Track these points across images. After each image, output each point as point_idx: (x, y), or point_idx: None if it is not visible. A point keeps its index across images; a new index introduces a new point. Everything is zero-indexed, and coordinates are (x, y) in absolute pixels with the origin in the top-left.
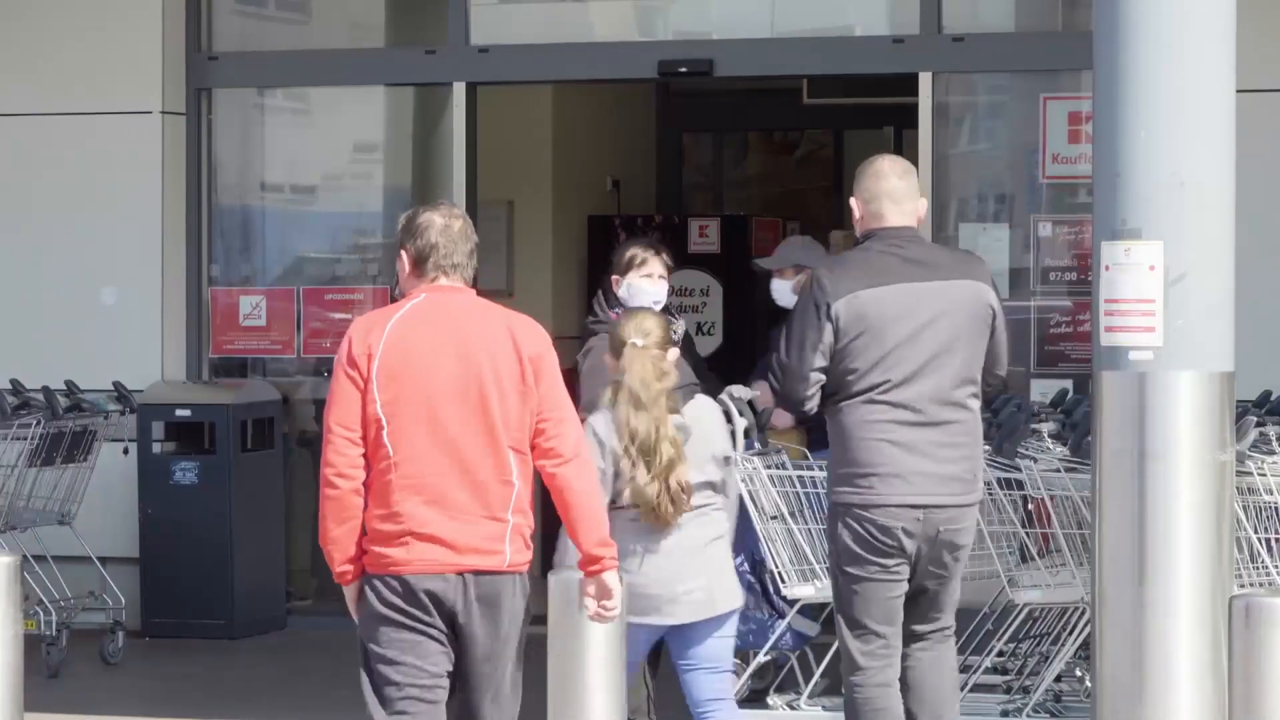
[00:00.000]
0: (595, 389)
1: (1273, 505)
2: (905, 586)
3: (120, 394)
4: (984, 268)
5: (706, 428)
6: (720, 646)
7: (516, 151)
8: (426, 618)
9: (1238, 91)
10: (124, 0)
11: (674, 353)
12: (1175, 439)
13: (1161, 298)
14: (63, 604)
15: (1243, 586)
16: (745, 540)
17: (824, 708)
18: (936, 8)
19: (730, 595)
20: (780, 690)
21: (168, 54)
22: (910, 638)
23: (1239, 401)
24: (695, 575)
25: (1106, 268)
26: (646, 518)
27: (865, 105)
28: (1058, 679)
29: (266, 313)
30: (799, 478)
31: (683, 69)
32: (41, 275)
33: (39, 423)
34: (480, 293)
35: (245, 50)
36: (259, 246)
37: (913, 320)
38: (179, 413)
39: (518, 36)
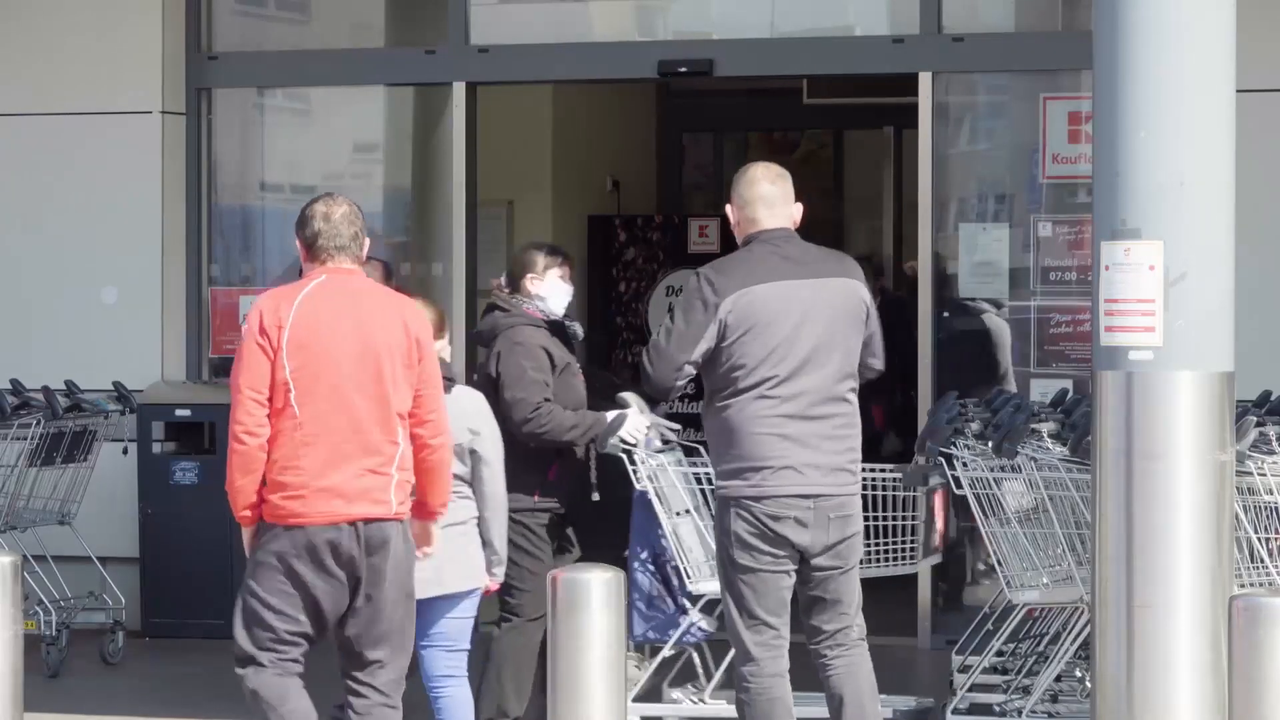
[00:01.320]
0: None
1: (1273, 505)
2: (793, 579)
3: (120, 394)
4: (856, 266)
5: (453, 422)
6: (454, 626)
7: (516, 151)
8: (316, 569)
9: (1238, 91)
10: (124, 0)
11: (442, 346)
12: (1175, 439)
13: (1161, 298)
14: (63, 604)
15: (1243, 586)
16: (647, 535)
17: (727, 701)
18: (936, 8)
19: (461, 578)
20: (677, 684)
21: (168, 54)
22: (823, 639)
23: (1239, 401)
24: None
25: (1106, 268)
26: None
27: (865, 105)
28: (1057, 679)
29: None
30: (707, 475)
31: (683, 69)
32: (41, 275)
33: (39, 423)
34: (480, 291)
35: (245, 50)
36: (259, 246)
37: (795, 316)
38: (179, 413)
39: (518, 36)
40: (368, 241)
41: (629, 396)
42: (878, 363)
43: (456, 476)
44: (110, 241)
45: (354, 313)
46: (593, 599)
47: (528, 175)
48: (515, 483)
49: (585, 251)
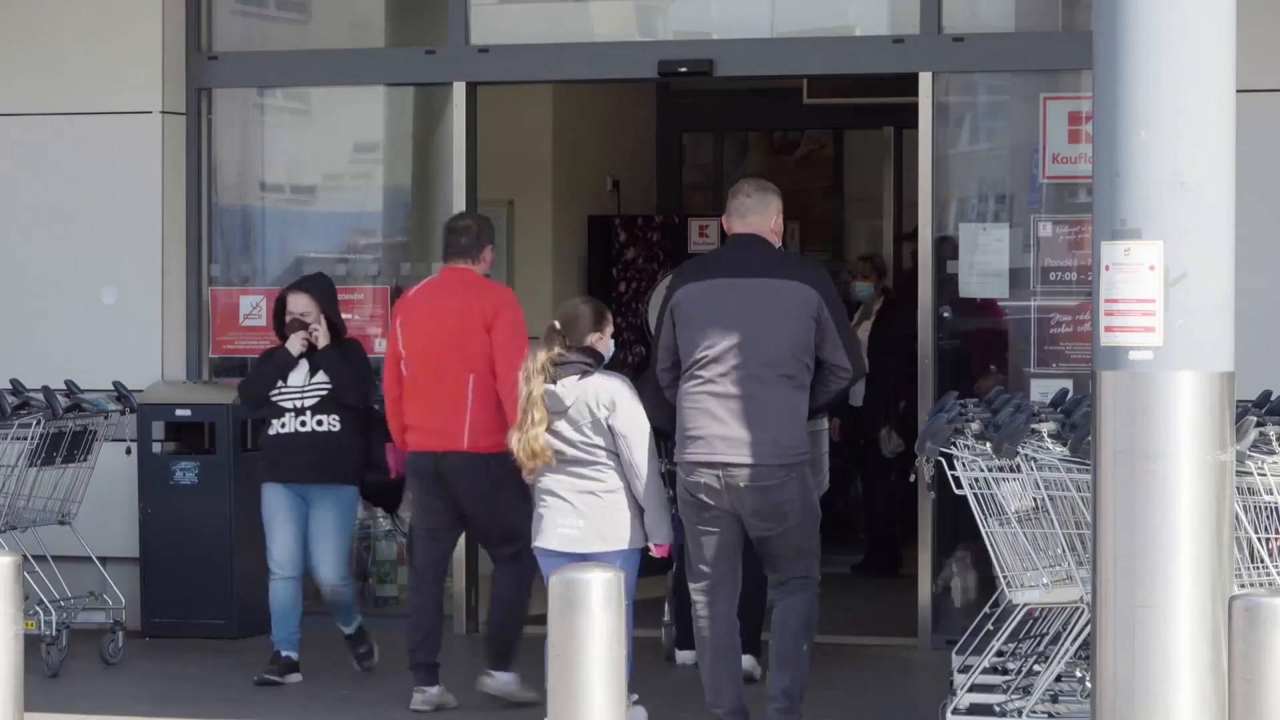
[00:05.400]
0: None
1: (1273, 505)
2: (728, 535)
3: (120, 394)
4: (816, 272)
5: (588, 400)
6: None
7: (516, 151)
8: (423, 482)
9: (1238, 91)
10: (124, 0)
11: (597, 338)
12: (1175, 439)
13: (1161, 298)
14: (63, 604)
15: (1243, 586)
16: None
17: None
18: (936, 8)
19: (595, 539)
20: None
21: (168, 54)
22: (770, 583)
23: (1239, 401)
24: (569, 516)
25: (1106, 268)
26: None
27: (865, 105)
28: (1057, 679)
29: (266, 313)
30: None
31: (683, 69)
32: (41, 275)
33: (39, 423)
34: None
35: (245, 50)
36: (259, 246)
37: (727, 309)
38: (179, 413)
39: (518, 36)
40: (489, 248)
41: None
42: (841, 359)
43: (597, 446)
44: (110, 241)
45: (441, 302)
46: (592, 599)
47: (528, 175)
48: None
49: (585, 251)
